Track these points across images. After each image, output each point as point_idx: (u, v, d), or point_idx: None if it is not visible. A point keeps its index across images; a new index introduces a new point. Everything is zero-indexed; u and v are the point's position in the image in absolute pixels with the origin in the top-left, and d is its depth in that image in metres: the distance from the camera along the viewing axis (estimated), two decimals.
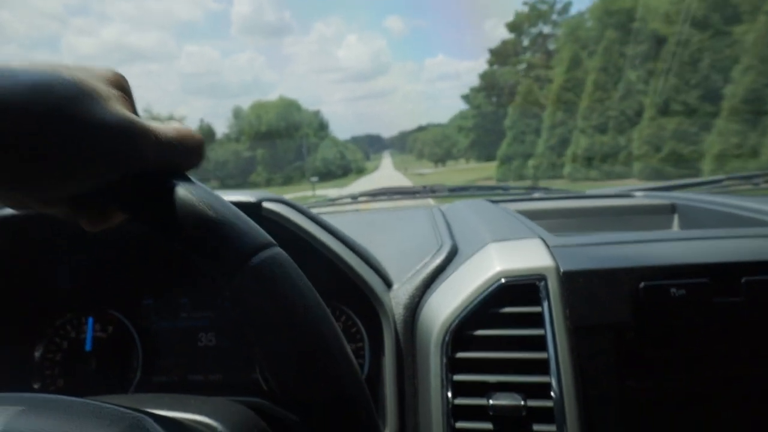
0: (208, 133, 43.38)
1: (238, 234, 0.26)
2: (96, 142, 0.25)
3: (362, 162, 57.97)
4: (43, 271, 0.64)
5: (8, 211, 0.54)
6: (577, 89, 16.84)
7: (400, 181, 28.81)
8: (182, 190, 0.27)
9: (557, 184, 15.51)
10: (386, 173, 44.67)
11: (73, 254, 0.64)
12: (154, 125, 0.28)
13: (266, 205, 0.55)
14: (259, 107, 41.88)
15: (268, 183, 36.75)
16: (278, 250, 0.27)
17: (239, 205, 0.53)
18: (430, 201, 1.22)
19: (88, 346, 0.66)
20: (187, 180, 0.28)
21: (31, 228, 0.56)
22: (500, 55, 31.13)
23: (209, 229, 0.26)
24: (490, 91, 30.04)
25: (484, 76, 31.50)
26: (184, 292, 0.68)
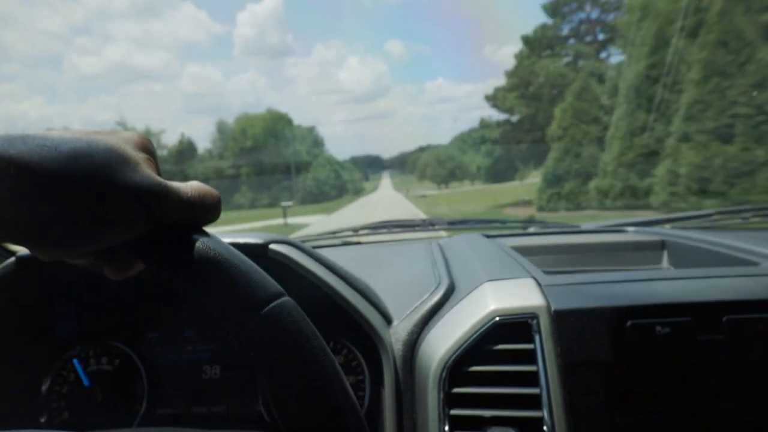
0: (188, 148, 38.05)
1: (252, 286, 0.30)
2: (126, 203, 0.29)
3: (360, 182, 54.74)
4: (53, 307, 0.68)
5: (24, 251, 0.59)
6: (666, 77, 11.30)
7: (401, 202, 26.13)
8: (201, 245, 0.30)
9: (642, 215, 9.65)
10: (385, 194, 41.96)
11: (82, 290, 0.68)
12: (176, 185, 0.32)
13: (273, 247, 0.59)
14: (244, 120, 37.81)
15: (253, 204, 32.02)
16: (287, 299, 0.31)
17: (247, 247, 0.58)
18: (433, 234, 1.26)
19: (85, 383, 0.69)
20: (205, 234, 0.32)
21: (43, 267, 0.60)
22: (537, 44, 23.36)
23: (225, 281, 0.30)
24: (525, 90, 23.21)
25: (516, 71, 23.51)
26: (189, 326, 0.71)
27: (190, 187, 0.32)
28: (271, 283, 0.31)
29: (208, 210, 0.33)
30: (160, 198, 0.30)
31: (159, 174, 0.32)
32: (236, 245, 0.58)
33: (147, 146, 0.33)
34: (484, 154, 30.73)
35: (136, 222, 0.29)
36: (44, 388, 0.68)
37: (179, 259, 0.30)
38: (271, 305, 0.30)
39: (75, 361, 0.69)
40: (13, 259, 0.59)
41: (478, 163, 33.25)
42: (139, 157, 0.31)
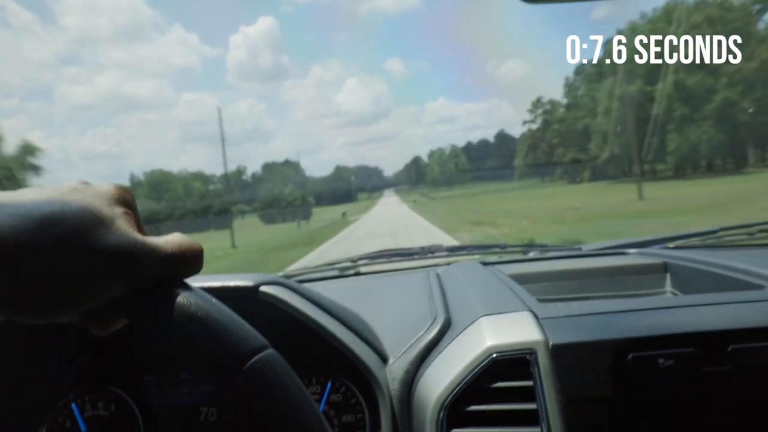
0: None
1: (233, 341, 0.30)
2: (102, 265, 0.29)
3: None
4: (46, 355, 0.68)
5: None
6: None
7: None
8: (182, 300, 0.31)
9: None
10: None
11: (74, 337, 0.67)
12: (155, 241, 0.32)
13: (263, 289, 0.59)
14: None
15: None
16: (270, 352, 0.31)
17: (237, 289, 0.58)
18: (432, 261, 1.22)
19: (82, 429, 0.68)
20: (188, 288, 0.32)
21: None
22: None
23: (206, 337, 0.30)
24: None
25: None
26: (185, 367, 0.71)
27: (170, 242, 0.32)
28: (253, 336, 0.31)
29: (189, 264, 0.33)
30: (138, 258, 0.30)
31: (139, 227, 0.33)
32: (226, 288, 0.59)
33: (125, 198, 0.33)
34: None
35: (113, 284, 0.29)
36: None
37: (160, 317, 0.30)
38: (253, 360, 0.30)
39: (73, 405, 0.69)
40: None
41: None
42: (116, 213, 0.31)
